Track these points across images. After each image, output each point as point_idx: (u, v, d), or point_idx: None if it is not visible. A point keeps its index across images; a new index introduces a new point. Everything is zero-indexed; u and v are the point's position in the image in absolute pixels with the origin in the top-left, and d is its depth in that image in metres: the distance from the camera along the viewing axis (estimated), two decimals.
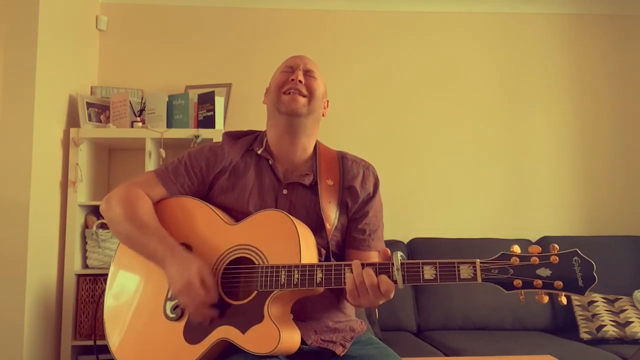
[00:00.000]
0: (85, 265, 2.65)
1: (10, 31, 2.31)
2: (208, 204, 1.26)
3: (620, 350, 2.25)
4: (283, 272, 1.09)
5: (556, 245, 1.01)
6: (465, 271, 1.02)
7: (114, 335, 1.22)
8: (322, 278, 1.08)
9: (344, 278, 1.08)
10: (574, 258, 0.99)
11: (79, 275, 2.58)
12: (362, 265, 1.07)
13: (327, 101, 1.40)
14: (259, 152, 1.33)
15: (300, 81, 1.29)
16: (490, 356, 2.15)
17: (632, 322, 2.46)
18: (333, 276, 1.08)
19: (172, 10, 3.14)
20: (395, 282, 1.05)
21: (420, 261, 1.04)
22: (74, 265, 2.55)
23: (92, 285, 2.59)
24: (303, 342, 1.15)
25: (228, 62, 3.12)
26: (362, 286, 1.05)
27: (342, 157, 1.38)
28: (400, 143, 3.14)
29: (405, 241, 2.88)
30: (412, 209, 3.08)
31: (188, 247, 1.21)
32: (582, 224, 3.11)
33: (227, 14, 3.15)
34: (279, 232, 1.13)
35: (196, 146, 1.46)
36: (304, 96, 1.29)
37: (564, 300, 0.99)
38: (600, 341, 2.43)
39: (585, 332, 2.49)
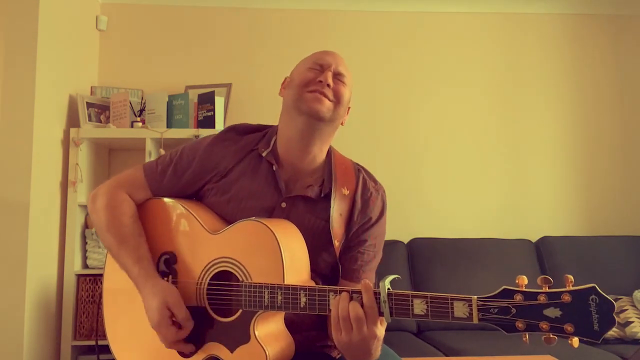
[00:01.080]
0: (85, 265, 2.65)
1: (10, 31, 2.31)
2: (190, 209, 1.15)
3: (620, 350, 2.25)
4: (266, 293, 1.01)
5: (571, 277, 0.86)
6: (459, 309, 0.90)
7: (114, 340, 1.21)
8: (305, 303, 0.99)
9: (329, 305, 0.97)
10: (591, 297, 0.85)
11: (79, 276, 2.58)
12: (351, 296, 0.95)
13: (349, 108, 1.24)
14: (264, 154, 1.18)
15: (328, 85, 1.14)
16: (490, 356, 2.15)
17: (632, 322, 2.46)
18: (317, 302, 0.99)
19: (172, 10, 3.14)
20: (382, 313, 0.93)
21: (410, 293, 0.93)
22: (74, 265, 2.55)
23: (92, 285, 2.59)
24: (296, 351, 1.10)
25: (228, 62, 3.12)
26: (345, 321, 0.93)
27: (358, 170, 1.25)
28: (400, 143, 3.14)
29: (405, 241, 2.88)
30: (412, 209, 3.08)
31: (172, 255, 1.15)
32: (582, 224, 3.10)
33: (227, 14, 3.16)
34: (260, 246, 1.04)
35: (196, 139, 1.38)
36: (330, 100, 1.14)
37: (575, 343, 0.86)
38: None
39: None
